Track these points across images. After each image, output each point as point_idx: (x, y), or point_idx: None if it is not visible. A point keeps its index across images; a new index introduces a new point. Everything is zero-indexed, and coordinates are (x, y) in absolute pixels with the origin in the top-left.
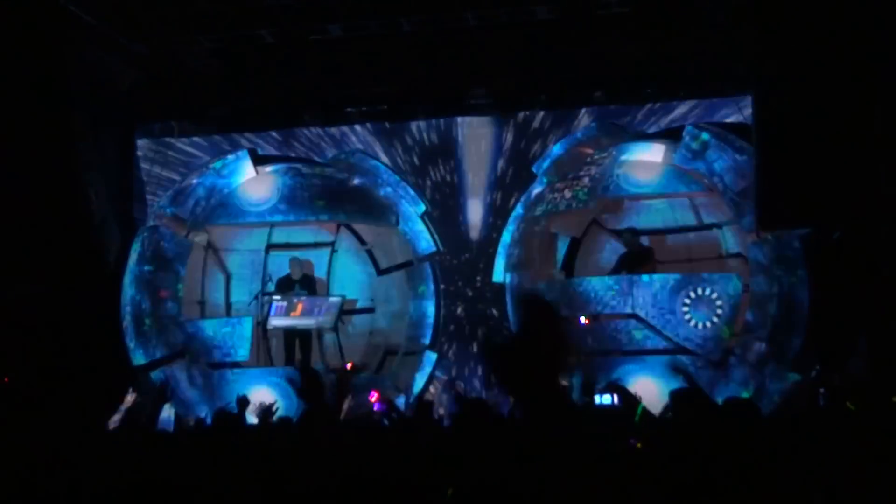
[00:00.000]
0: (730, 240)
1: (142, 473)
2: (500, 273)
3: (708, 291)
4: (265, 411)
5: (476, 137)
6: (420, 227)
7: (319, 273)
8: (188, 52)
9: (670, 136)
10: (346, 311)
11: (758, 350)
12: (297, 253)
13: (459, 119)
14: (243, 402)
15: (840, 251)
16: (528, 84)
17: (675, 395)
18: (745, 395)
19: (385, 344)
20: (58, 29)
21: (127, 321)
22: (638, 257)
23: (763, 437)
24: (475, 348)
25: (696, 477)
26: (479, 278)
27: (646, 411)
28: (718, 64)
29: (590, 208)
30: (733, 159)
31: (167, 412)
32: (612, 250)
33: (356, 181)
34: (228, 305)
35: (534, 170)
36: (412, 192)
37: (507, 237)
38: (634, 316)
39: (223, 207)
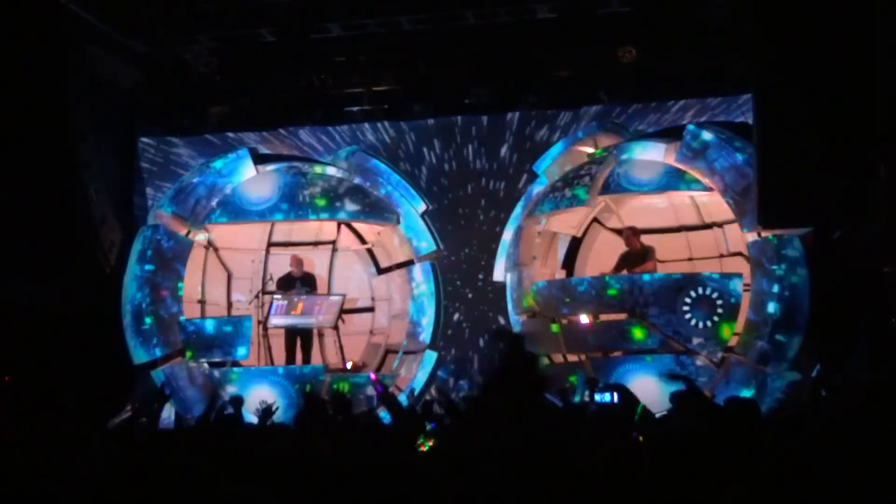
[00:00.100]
0: (730, 239)
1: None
2: (500, 272)
3: (708, 291)
4: (266, 411)
5: (476, 136)
6: (420, 226)
7: (320, 272)
8: (188, 52)
9: (671, 134)
10: (346, 310)
11: (758, 349)
12: (296, 252)
13: (460, 118)
14: (238, 401)
15: (840, 250)
16: (528, 82)
17: (675, 397)
18: (745, 394)
19: (385, 343)
20: (59, 28)
21: (127, 320)
22: (638, 256)
23: (764, 437)
24: (475, 347)
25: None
26: (479, 277)
27: (646, 410)
28: (719, 63)
29: (590, 207)
30: (734, 158)
31: (168, 411)
32: (612, 249)
33: (356, 180)
34: (229, 304)
35: (534, 169)
36: (412, 191)
37: (507, 236)
38: (635, 315)
39: (224, 206)
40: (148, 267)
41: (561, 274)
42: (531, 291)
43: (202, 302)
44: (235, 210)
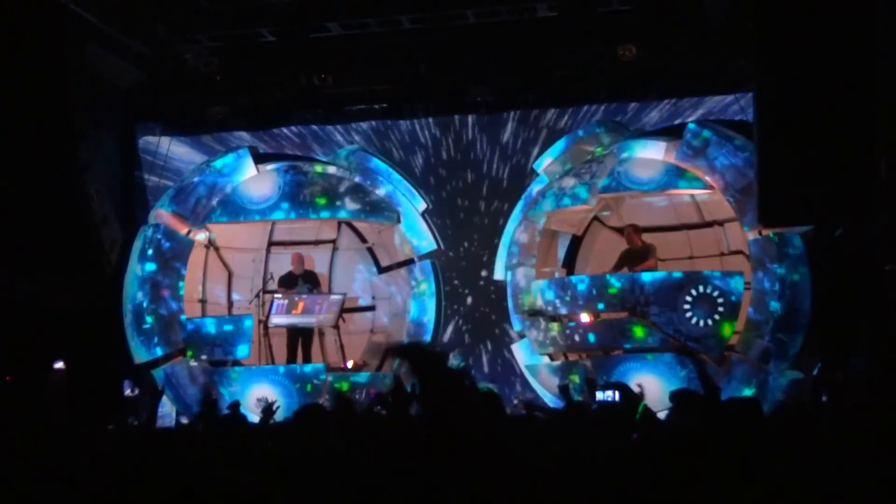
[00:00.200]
0: (731, 237)
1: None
2: (501, 271)
3: (709, 289)
4: (267, 410)
5: (477, 135)
6: (421, 224)
7: (320, 271)
8: (189, 51)
9: (671, 133)
10: (347, 309)
11: (759, 347)
12: (297, 250)
13: (460, 117)
14: (235, 404)
15: (841, 248)
16: (528, 81)
17: (675, 395)
18: (747, 392)
19: (386, 342)
20: (59, 28)
21: (128, 320)
22: (639, 254)
23: (765, 435)
24: (474, 347)
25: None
26: (480, 276)
27: (647, 409)
28: (720, 61)
29: (591, 205)
30: (734, 157)
31: (169, 410)
32: (613, 248)
33: (357, 179)
34: (230, 303)
35: (535, 167)
36: (413, 190)
37: (508, 235)
38: (636, 313)
39: (224, 205)
40: (149, 266)
41: (562, 273)
42: (532, 290)
43: (203, 301)
44: (236, 209)
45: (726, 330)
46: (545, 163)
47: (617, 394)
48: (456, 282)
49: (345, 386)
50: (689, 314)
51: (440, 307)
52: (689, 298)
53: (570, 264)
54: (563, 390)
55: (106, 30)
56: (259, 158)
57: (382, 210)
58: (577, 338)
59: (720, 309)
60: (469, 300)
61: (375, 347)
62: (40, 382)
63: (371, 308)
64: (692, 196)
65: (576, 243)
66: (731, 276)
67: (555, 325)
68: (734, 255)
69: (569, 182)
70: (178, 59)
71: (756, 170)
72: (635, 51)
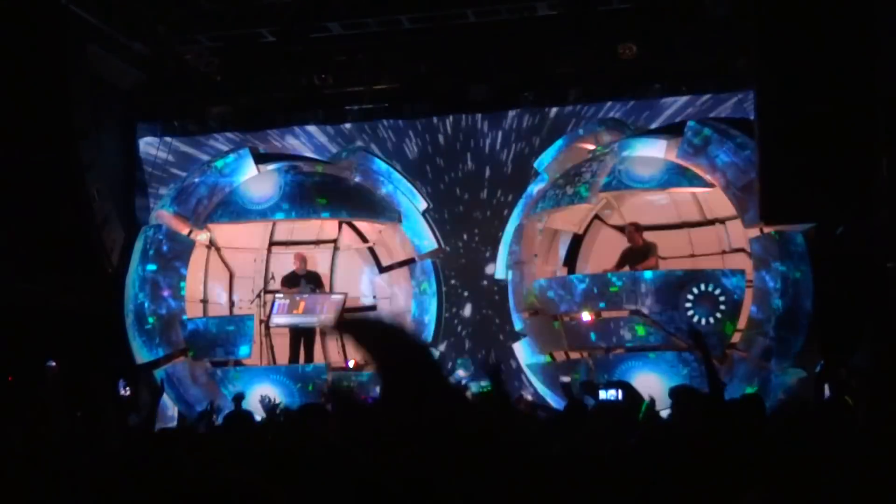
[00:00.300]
0: (732, 235)
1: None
2: (502, 270)
3: (711, 287)
4: (271, 409)
5: (477, 134)
6: (422, 224)
7: (322, 271)
8: (189, 52)
9: (672, 131)
10: (348, 308)
11: (761, 346)
12: (299, 250)
13: (460, 116)
14: (239, 398)
15: (843, 246)
16: (528, 80)
17: (674, 393)
18: (749, 391)
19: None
20: (59, 28)
21: (130, 320)
22: (640, 253)
23: (767, 433)
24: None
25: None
26: (481, 275)
27: (650, 408)
28: (720, 59)
29: (592, 204)
30: (736, 154)
31: (171, 410)
32: (614, 246)
33: (358, 179)
34: (231, 303)
35: (535, 166)
36: (413, 190)
37: (509, 234)
38: (637, 312)
39: (225, 206)
40: (150, 267)
41: (563, 271)
42: (533, 289)
43: (204, 301)
44: (237, 209)
45: (728, 328)
46: (546, 162)
47: (620, 392)
48: (459, 280)
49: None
50: (690, 312)
51: (441, 306)
52: (690, 297)
53: (570, 263)
54: (565, 388)
55: (106, 30)
56: (260, 158)
57: (383, 210)
58: (578, 336)
59: (721, 307)
60: (470, 298)
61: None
62: (41, 383)
63: (372, 308)
64: (693, 194)
65: (577, 242)
66: (733, 274)
67: (555, 324)
68: (736, 253)
69: (569, 181)
70: (179, 60)
71: (757, 168)
72: (636, 49)
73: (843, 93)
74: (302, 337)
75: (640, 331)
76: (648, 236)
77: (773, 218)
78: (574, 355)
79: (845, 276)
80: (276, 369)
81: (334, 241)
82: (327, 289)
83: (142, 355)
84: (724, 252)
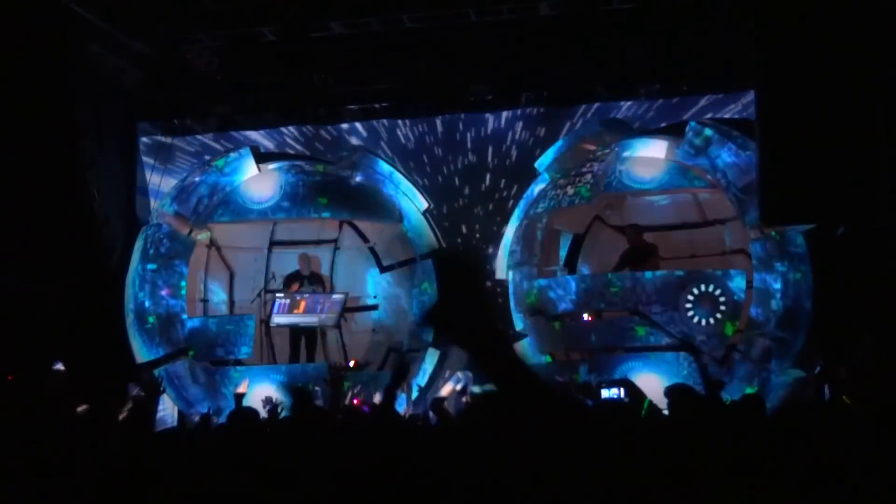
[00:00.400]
0: (733, 236)
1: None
2: (502, 270)
3: (711, 288)
4: (272, 409)
5: (478, 134)
6: (422, 224)
7: (323, 271)
8: (190, 51)
9: (673, 131)
10: (349, 308)
11: (761, 346)
12: (301, 250)
13: (462, 115)
14: (240, 395)
15: (844, 247)
16: (530, 80)
17: (670, 392)
18: (749, 391)
19: (388, 341)
20: (60, 27)
21: (130, 319)
22: (641, 254)
23: (767, 433)
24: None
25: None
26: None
27: (653, 406)
28: (722, 59)
29: (592, 205)
30: (736, 155)
31: (171, 409)
32: (615, 247)
33: (359, 178)
34: (231, 303)
35: (536, 166)
36: (414, 190)
37: (509, 234)
38: (638, 312)
39: (226, 205)
40: (150, 266)
41: (563, 272)
42: (533, 289)
43: (205, 301)
44: (237, 209)
45: (728, 329)
46: (547, 162)
47: (622, 390)
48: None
49: (346, 385)
50: (690, 313)
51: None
52: (690, 297)
53: (571, 263)
54: (564, 388)
55: (107, 29)
56: (261, 158)
57: (384, 209)
58: (578, 337)
59: (722, 308)
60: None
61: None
62: (41, 382)
63: (373, 307)
64: (694, 195)
65: (577, 242)
66: (733, 275)
67: (556, 324)
68: (736, 253)
69: (570, 181)
70: (180, 59)
71: (758, 168)
72: (638, 51)
73: (845, 93)
74: (303, 336)
75: (640, 331)
76: (649, 237)
77: (774, 219)
78: (574, 356)
79: (845, 277)
80: (276, 369)
81: (335, 240)
82: (328, 287)
83: (142, 354)
84: (724, 253)
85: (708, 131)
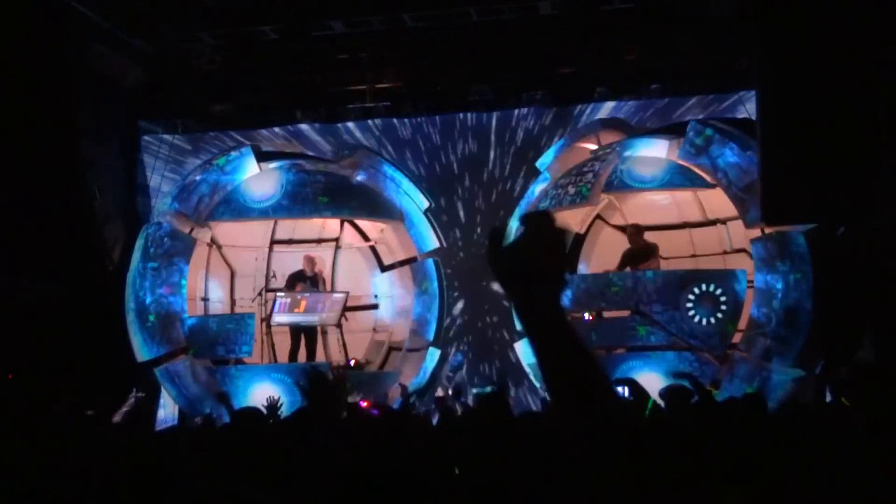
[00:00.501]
0: (734, 235)
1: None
2: None
3: (712, 287)
4: (272, 407)
5: (479, 133)
6: (423, 223)
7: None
8: (191, 50)
9: (674, 131)
10: (349, 307)
11: (762, 346)
12: (302, 249)
13: (463, 115)
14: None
15: (844, 246)
16: (531, 80)
17: (665, 392)
18: (749, 390)
19: (389, 340)
20: (62, 26)
21: (131, 318)
22: (642, 253)
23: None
24: (477, 344)
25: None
26: (482, 274)
27: (656, 405)
28: (723, 59)
29: (593, 204)
30: (737, 155)
31: (172, 408)
32: (615, 247)
33: (360, 177)
34: (232, 302)
35: (537, 166)
36: (415, 189)
37: (509, 235)
38: (639, 312)
39: (227, 204)
40: (151, 264)
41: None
42: None
43: (205, 299)
44: (238, 207)
45: (728, 328)
46: (547, 161)
47: (626, 389)
48: (461, 279)
49: (347, 383)
50: (691, 312)
51: (442, 305)
52: (691, 297)
53: (572, 263)
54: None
55: (108, 28)
56: (262, 156)
57: (385, 208)
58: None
59: (723, 307)
60: (471, 297)
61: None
62: (42, 380)
63: (374, 306)
64: (695, 194)
65: (578, 242)
66: (734, 274)
67: None
68: (737, 253)
69: (571, 181)
70: (181, 58)
71: (759, 168)
72: (639, 50)
73: (845, 93)
74: (303, 335)
75: (641, 331)
76: (650, 236)
77: (775, 218)
78: None
79: (846, 277)
80: (277, 367)
81: (336, 239)
82: (329, 289)
83: (143, 353)
84: (725, 252)
85: (709, 131)
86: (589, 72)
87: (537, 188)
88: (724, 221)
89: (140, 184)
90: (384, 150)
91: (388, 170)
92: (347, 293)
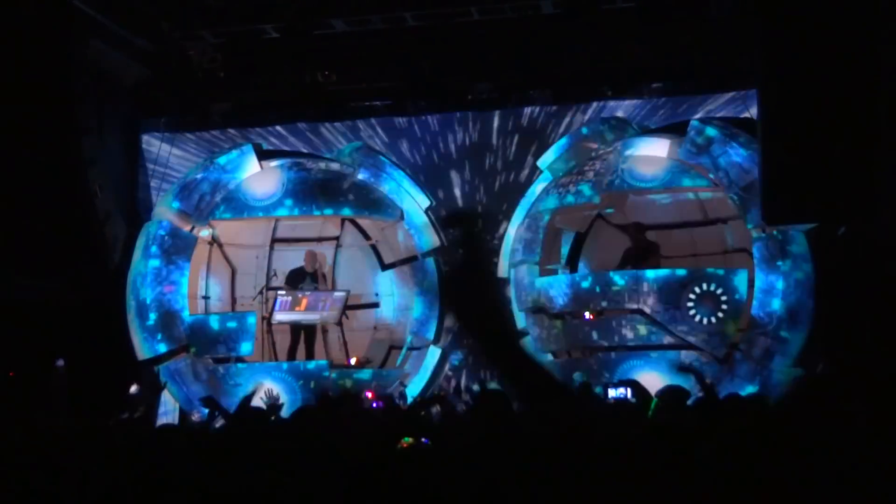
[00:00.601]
0: (735, 235)
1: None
2: (504, 268)
3: (713, 287)
4: (272, 406)
5: (480, 132)
6: (424, 221)
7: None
8: (192, 48)
9: (675, 130)
10: (350, 305)
11: (763, 345)
12: (304, 248)
13: (464, 114)
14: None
15: (845, 246)
16: (532, 78)
17: (661, 392)
18: (749, 391)
19: (389, 339)
20: (63, 24)
21: (132, 316)
22: (643, 252)
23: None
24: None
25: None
26: (483, 273)
27: (659, 406)
28: (724, 58)
29: (594, 203)
30: (738, 154)
31: (172, 407)
32: (616, 245)
33: (360, 176)
34: (233, 300)
35: (538, 165)
36: (416, 187)
37: (511, 232)
38: (639, 311)
39: (228, 202)
40: (152, 263)
41: (565, 270)
42: (535, 288)
43: (206, 298)
44: (239, 206)
45: (729, 328)
46: (549, 160)
47: (629, 391)
48: (462, 278)
49: (348, 383)
50: (692, 312)
51: (443, 304)
52: (692, 296)
53: (573, 262)
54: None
55: (110, 26)
56: (262, 155)
57: (386, 207)
58: (580, 335)
59: (723, 307)
60: (472, 296)
61: None
62: (42, 379)
63: (375, 305)
64: (696, 194)
65: (579, 240)
66: (735, 273)
67: (558, 323)
68: (738, 252)
69: (572, 179)
70: (182, 56)
71: (760, 167)
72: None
73: (846, 92)
74: (303, 333)
75: (642, 330)
76: (651, 236)
77: (776, 218)
78: (576, 354)
79: (847, 276)
80: (277, 366)
81: (337, 238)
82: (330, 286)
83: (144, 351)
84: (726, 252)
85: (710, 130)
86: (591, 70)
87: (538, 187)
88: (724, 221)
89: (141, 182)
90: (385, 148)
91: (389, 168)
92: (348, 291)
